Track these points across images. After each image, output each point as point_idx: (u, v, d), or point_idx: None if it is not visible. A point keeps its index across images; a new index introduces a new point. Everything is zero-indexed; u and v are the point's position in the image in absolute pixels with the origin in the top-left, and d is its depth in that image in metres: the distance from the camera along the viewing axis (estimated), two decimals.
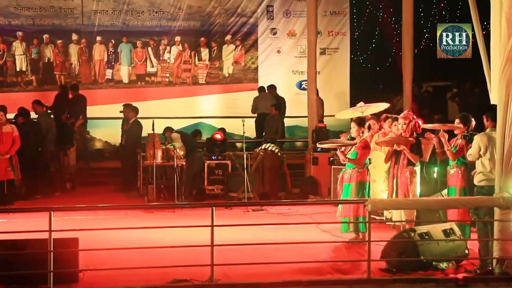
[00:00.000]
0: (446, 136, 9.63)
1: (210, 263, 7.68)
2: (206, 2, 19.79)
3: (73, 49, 19.19)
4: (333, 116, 15.19)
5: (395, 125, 10.44)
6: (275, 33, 20.16)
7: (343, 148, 10.29)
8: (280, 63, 20.16)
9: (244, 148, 14.17)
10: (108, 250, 8.59)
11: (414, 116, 10.33)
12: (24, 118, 14.77)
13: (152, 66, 19.72)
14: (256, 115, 18.42)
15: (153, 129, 13.82)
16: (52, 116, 16.17)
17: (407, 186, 10.03)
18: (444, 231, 8.73)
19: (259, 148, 14.71)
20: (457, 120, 9.69)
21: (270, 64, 20.12)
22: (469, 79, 18.95)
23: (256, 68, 20.14)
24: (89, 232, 8.67)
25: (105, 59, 19.40)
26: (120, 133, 16.30)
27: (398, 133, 10.22)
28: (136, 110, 15.78)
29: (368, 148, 10.30)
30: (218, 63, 20.04)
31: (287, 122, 18.76)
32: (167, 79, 19.82)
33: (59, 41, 19.08)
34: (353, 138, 10.48)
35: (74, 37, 19.13)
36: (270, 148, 14.54)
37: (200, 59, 19.91)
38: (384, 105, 12.05)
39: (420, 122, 10.41)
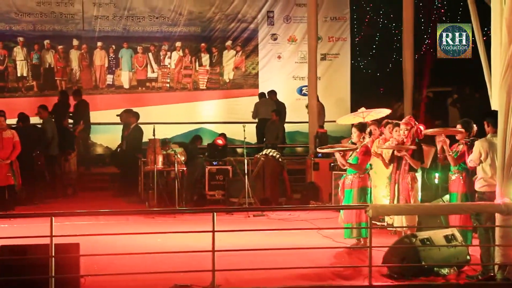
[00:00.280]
0: (448, 141, 9.62)
1: (211, 268, 7.67)
2: (206, 8, 19.82)
3: (74, 55, 19.20)
4: (334, 121, 15.19)
5: (396, 131, 10.44)
6: (275, 39, 20.18)
7: (342, 153, 10.30)
8: (280, 69, 20.18)
9: (245, 154, 14.17)
10: (109, 256, 8.59)
11: (415, 122, 10.34)
12: (23, 123, 14.77)
13: (153, 72, 19.73)
14: (257, 120, 18.43)
15: (153, 135, 13.83)
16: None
17: (408, 191, 10.04)
18: (446, 237, 8.72)
19: (260, 154, 14.72)
20: (458, 126, 9.68)
21: (270, 70, 20.13)
22: (469, 85, 18.96)
23: (257, 74, 20.16)
24: (90, 237, 8.66)
25: (106, 65, 19.41)
26: (120, 138, 16.33)
27: (400, 139, 10.22)
28: (137, 116, 15.78)
29: (369, 154, 10.30)
30: (219, 69, 20.05)
31: (288, 127, 18.77)
32: (167, 85, 19.83)
33: (60, 47, 19.09)
34: (354, 144, 10.48)
35: (75, 42, 19.15)
36: (271, 153, 14.55)
37: (200, 65, 19.92)
38: (386, 111, 12.05)
39: (422, 127, 10.42)
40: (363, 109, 11.80)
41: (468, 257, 8.80)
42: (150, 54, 19.63)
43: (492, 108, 9.08)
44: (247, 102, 19.47)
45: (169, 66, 19.78)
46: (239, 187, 14.00)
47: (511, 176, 8.04)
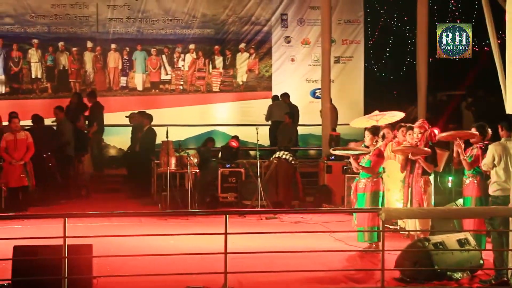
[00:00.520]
0: (463, 145, 9.57)
1: (224, 270, 7.66)
2: (220, 10, 19.84)
3: (88, 57, 19.28)
4: (347, 124, 15.15)
5: (409, 134, 10.40)
6: (289, 42, 20.18)
7: (355, 157, 10.28)
8: (294, 72, 20.16)
9: (257, 156, 14.18)
10: (122, 257, 8.61)
11: (429, 125, 10.30)
12: (37, 125, 14.85)
13: (166, 74, 19.77)
14: (270, 123, 18.43)
15: (167, 137, 13.86)
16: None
17: (421, 195, 10.01)
18: (459, 241, 8.69)
19: (273, 157, 14.72)
20: (473, 129, 9.62)
21: (284, 72, 20.12)
22: (483, 88, 18.88)
23: (270, 76, 20.15)
24: (103, 238, 8.68)
25: (120, 67, 19.48)
26: (129, 140, 16.40)
27: (413, 142, 10.19)
28: (150, 118, 15.83)
29: (382, 157, 10.28)
30: (232, 71, 20.07)
31: (301, 130, 18.75)
32: (181, 87, 19.86)
33: (74, 49, 19.17)
34: (366, 147, 10.46)
35: (89, 44, 19.22)
36: (283, 156, 14.54)
37: (214, 67, 19.94)
38: (400, 115, 11.99)
39: (436, 131, 10.37)
40: (376, 112, 11.78)
41: (481, 262, 8.76)
42: (163, 56, 19.68)
43: (507, 112, 9.03)
44: (260, 104, 19.47)
45: (182, 68, 19.81)
46: (252, 190, 13.99)
47: None
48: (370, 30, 20.76)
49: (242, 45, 19.99)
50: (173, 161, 14.01)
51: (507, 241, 8.24)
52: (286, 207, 14.09)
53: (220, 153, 15.94)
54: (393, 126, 11.47)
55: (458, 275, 8.35)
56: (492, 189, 8.59)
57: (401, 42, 20.73)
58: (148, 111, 16.41)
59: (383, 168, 10.43)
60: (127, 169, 16.29)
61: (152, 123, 15.79)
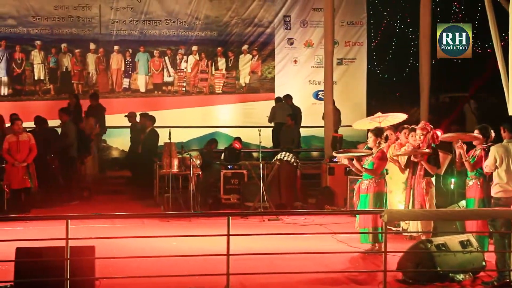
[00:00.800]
0: (465, 147, 9.56)
1: (226, 272, 7.66)
2: (223, 12, 19.85)
3: (91, 58, 19.31)
4: (350, 126, 15.17)
5: (412, 136, 10.41)
6: (292, 43, 20.18)
7: (358, 158, 10.28)
8: (296, 73, 20.17)
9: (260, 158, 14.20)
10: (124, 259, 8.61)
11: (431, 127, 10.30)
12: (40, 126, 14.87)
13: (169, 76, 19.78)
14: (272, 124, 18.44)
15: (169, 138, 13.86)
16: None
17: (423, 196, 10.01)
18: (461, 243, 8.67)
19: (275, 158, 14.72)
20: (476, 131, 9.61)
21: (286, 74, 20.12)
22: (486, 90, 18.87)
23: (273, 78, 20.16)
24: (105, 240, 8.70)
25: (123, 68, 19.50)
26: (129, 140, 16.48)
27: (415, 144, 10.19)
28: (153, 119, 15.85)
29: (385, 159, 10.27)
30: (235, 73, 20.08)
31: (303, 132, 18.75)
32: (183, 89, 19.88)
33: (77, 50, 19.20)
34: (370, 149, 10.46)
35: (92, 46, 19.25)
36: (285, 158, 14.53)
37: (217, 69, 19.96)
38: (402, 116, 12.01)
39: (439, 133, 10.37)
40: (379, 113, 11.78)
41: (483, 263, 8.75)
42: (166, 58, 19.69)
43: (510, 114, 9.04)
44: (263, 106, 19.48)
45: (185, 70, 19.83)
46: (254, 191, 13.99)
47: None
48: (373, 32, 20.77)
49: (245, 47, 20.00)
50: (175, 162, 14.01)
51: (510, 242, 8.23)
52: (288, 208, 14.09)
53: (222, 154, 15.94)
54: (396, 128, 11.47)
55: (460, 276, 8.34)
56: (494, 191, 8.58)
57: (404, 44, 20.74)
58: (150, 113, 16.42)
59: (386, 169, 10.42)
60: (130, 171, 16.30)
61: (155, 125, 15.81)
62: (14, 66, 18.89)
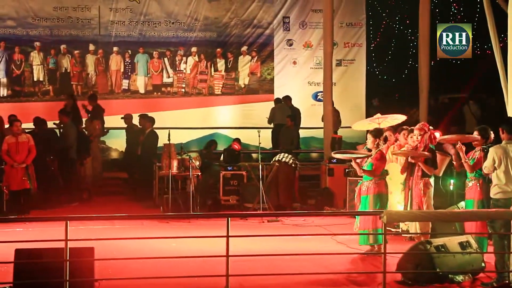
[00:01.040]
0: (464, 148, 9.56)
1: (225, 273, 7.67)
2: (222, 13, 19.86)
3: (90, 60, 19.31)
4: (349, 127, 15.17)
5: (411, 137, 10.42)
6: (291, 44, 20.19)
7: (358, 160, 10.27)
8: (296, 74, 20.17)
9: (259, 159, 14.20)
10: (123, 260, 8.61)
11: (429, 127, 10.30)
12: (39, 128, 14.86)
13: (168, 77, 19.79)
14: (272, 125, 18.45)
15: (169, 139, 13.86)
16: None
17: (421, 197, 10.02)
18: (461, 244, 8.68)
19: (274, 159, 14.72)
20: (475, 133, 9.61)
21: (286, 75, 20.13)
22: (485, 91, 18.87)
23: (272, 79, 20.16)
24: (105, 241, 8.70)
25: (122, 70, 19.50)
26: (125, 142, 16.50)
27: (414, 145, 10.20)
28: (152, 121, 15.85)
29: (384, 160, 10.26)
30: (234, 74, 20.08)
31: (303, 133, 18.76)
32: (183, 90, 19.88)
33: (76, 52, 19.20)
34: (369, 150, 10.46)
35: (91, 47, 19.25)
36: (283, 159, 14.53)
37: (216, 70, 19.96)
38: (401, 118, 12.02)
39: (438, 134, 10.37)
40: (378, 115, 11.78)
41: (483, 264, 8.76)
42: (165, 59, 19.69)
43: (509, 115, 9.04)
44: (262, 107, 19.48)
45: (184, 71, 19.83)
46: (254, 192, 14.00)
47: None
48: (372, 33, 20.78)
49: (244, 48, 20.01)
50: (175, 164, 14.02)
51: (509, 243, 8.24)
52: (287, 210, 14.08)
53: (222, 155, 15.94)
54: (395, 129, 11.47)
55: (459, 277, 8.35)
56: (493, 192, 8.57)
57: (403, 45, 20.74)
58: (150, 114, 16.43)
59: (386, 170, 10.41)
60: (129, 172, 16.30)
61: (154, 126, 15.81)
62: (13, 67, 18.89)
